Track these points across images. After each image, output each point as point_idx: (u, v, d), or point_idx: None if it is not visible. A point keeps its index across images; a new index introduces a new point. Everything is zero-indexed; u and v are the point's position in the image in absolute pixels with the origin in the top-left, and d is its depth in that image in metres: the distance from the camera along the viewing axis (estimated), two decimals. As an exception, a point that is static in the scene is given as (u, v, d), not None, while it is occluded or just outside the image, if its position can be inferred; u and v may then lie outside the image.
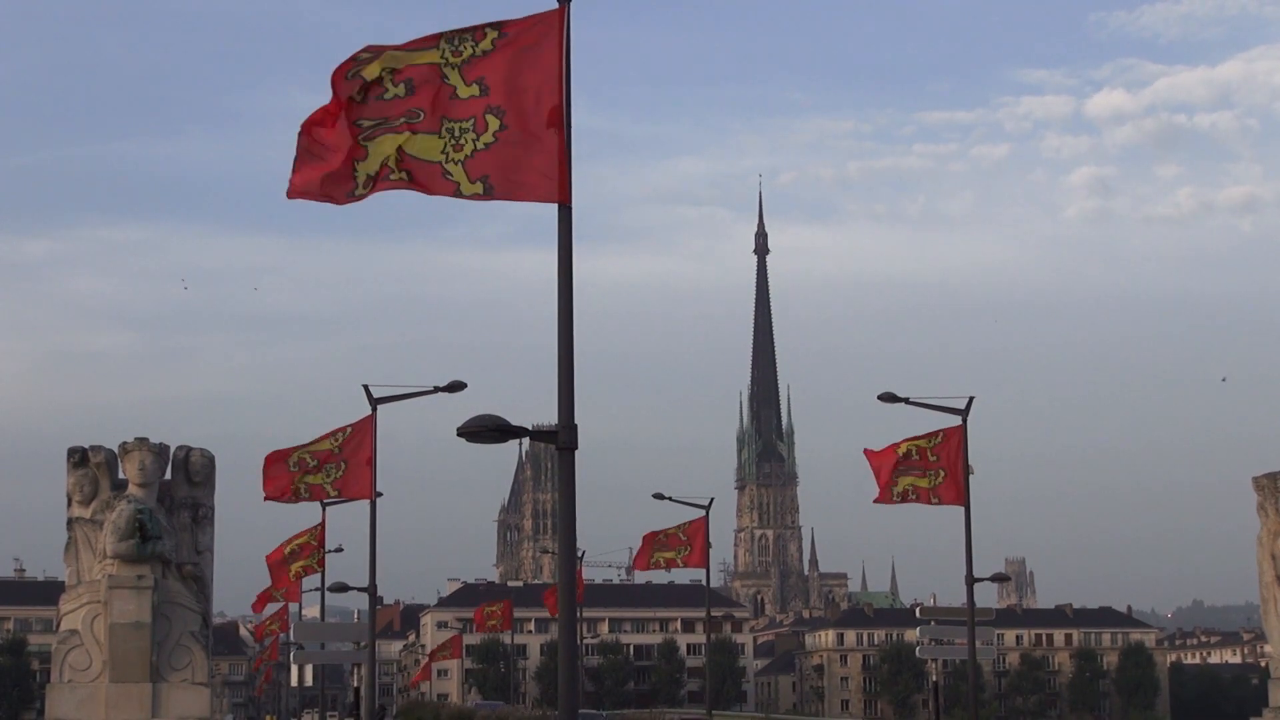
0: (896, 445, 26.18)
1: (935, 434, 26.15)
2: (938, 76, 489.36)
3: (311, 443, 26.32)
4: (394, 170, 10.22)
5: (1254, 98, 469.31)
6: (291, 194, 10.22)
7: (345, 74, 10.20)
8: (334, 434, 26.47)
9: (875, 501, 26.58)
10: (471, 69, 10.24)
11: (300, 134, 10.23)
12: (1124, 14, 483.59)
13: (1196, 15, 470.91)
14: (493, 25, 10.32)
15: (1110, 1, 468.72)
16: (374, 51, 10.26)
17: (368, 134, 10.17)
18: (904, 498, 26.11)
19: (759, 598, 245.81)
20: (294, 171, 10.21)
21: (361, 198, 10.23)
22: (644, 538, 40.51)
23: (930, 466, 25.84)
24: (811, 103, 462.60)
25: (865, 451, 26.69)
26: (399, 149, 10.19)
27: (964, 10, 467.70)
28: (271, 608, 56.22)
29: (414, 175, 10.24)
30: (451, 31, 10.31)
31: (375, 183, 10.23)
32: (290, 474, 25.95)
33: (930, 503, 26.29)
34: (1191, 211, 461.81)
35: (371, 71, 10.21)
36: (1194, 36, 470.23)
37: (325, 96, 10.22)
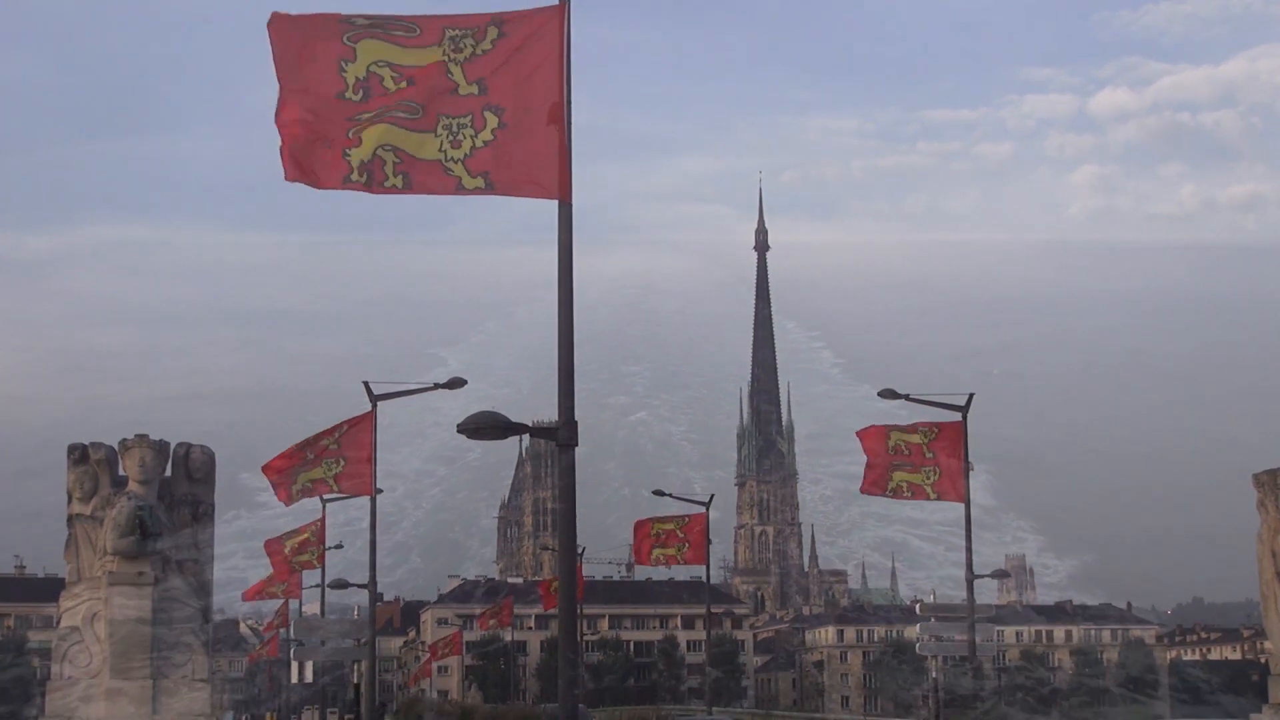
0: (886, 433, 25.77)
1: (928, 427, 25.86)
2: (941, 75, 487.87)
3: (310, 439, 26.44)
4: (390, 175, 10.04)
5: (1258, 96, 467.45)
6: (289, 176, 9.95)
7: (338, 45, 9.99)
8: (333, 430, 26.58)
9: (862, 491, 26.25)
10: (473, 67, 10.16)
11: (286, 122, 9.98)
12: (1128, 13, 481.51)
13: (1200, 14, 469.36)
14: (494, 22, 10.24)
15: (1114, 0, 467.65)
16: (370, 22, 10.06)
17: (362, 126, 10.01)
18: (897, 494, 25.75)
19: (759, 594, 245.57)
20: (286, 155, 9.94)
21: (356, 187, 9.99)
22: (637, 525, 40.32)
23: (926, 463, 25.53)
24: (814, 101, 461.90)
25: (858, 433, 26.43)
26: (395, 149, 10.02)
27: (967, 8, 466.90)
28: (265, 604, 56.30)
29: (412, 178, 10.06)
30: (452, 20, 10.20)
31: (372, 181, 10.03)
32: (291, 473, 26.15)
33: (926, 499, 26.06)
34: (1195, 209, 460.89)
35: (363, 61, 10.02)
36: (1198, 35, 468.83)
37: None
